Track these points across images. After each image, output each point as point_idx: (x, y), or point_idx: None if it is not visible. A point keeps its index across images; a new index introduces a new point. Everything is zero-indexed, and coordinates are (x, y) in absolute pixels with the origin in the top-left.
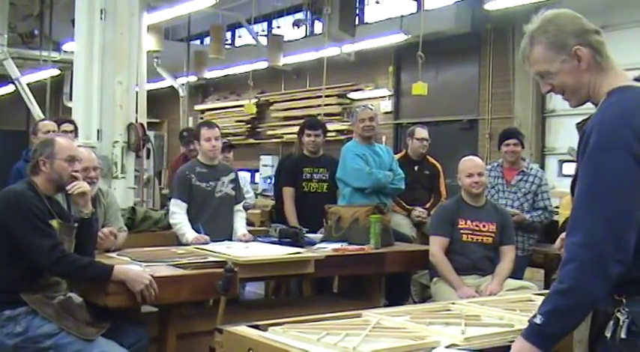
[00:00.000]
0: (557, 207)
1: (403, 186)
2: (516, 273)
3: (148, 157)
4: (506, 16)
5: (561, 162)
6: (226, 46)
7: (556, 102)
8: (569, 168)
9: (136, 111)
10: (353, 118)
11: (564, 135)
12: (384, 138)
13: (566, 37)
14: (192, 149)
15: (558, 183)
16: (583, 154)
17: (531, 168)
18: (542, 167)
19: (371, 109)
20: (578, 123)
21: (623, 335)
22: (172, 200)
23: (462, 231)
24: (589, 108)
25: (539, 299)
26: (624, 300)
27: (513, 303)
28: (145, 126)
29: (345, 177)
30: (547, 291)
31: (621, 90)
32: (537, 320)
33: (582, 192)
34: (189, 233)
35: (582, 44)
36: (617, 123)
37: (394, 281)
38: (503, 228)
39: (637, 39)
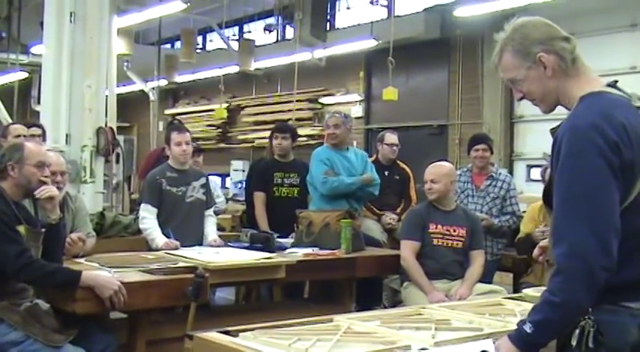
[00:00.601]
0: (524, 212)
1: (377, 193)
2: (486, 277)
3: (117, 162)
4: (475, 23)
5: (529, 167)
6: (197, 51)
7: (524, 107)
8: (538, 174)
9: (106, 115)
10: (324, 125)
11: (532, 140)
12: (354, 143)
13: (530, 44)
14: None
15: (526, 188)
16: (557, 161)
17: (500, 173)
18: (511, 172)
19: (337, 116)
20: (552, 129)
21: (590, 344)
22: (142, 205)
23: (432, 236)
24: (559, 113)
25: (509, 303)
26: (590, 309)
27: (483, 307)
28: (115, 130)
29: (313, 182)
30: (516, 295)
31: (593, 96)
32: (527, 329)
33: (560, 201)
34: (159, 238)
35: (546, 51)
36: (588, 129)
37: (365, 286)
38: (472, 232)
39: (603, 46)
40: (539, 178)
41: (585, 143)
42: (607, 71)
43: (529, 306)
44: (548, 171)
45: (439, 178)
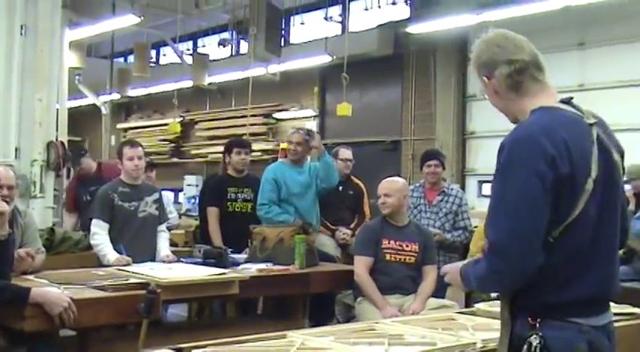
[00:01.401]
0: (475, 227)
1: (336, 178)
2: (438, 292)
3: (68, 177)
4: (428, 40)
5: (481, 182)
6: (151, 65)
7: (476, 124)
8: (489, 189)
9: (57, 129)
10: (287, 139)
11: (484, 156)
12: (309, 158)
13: (478, 66)
14: (82, 168)
15: (478, 204)
16: (496, 169)
17: (452, 189)
18: (463, 187)
19: (301, 133)
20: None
21: None
22: (93, 220)
23: (385, 251)
24: (508, 130)
25: (461, 318)
26: (538, 324)
27: (435, 322)
28: (66, 144)
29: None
30: (468, 310)
31: (541, 110)
32: (473, 283)
33: (490, 207)
34: (110, 254)
35: (488, 76)
36: (526, 141)
37: (318, 302)
38: (425, 247)
39: (552, 64)
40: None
41: (521, 154)
42: (556, 89)
43: (481, 321)
44: None
45: (392, 193)
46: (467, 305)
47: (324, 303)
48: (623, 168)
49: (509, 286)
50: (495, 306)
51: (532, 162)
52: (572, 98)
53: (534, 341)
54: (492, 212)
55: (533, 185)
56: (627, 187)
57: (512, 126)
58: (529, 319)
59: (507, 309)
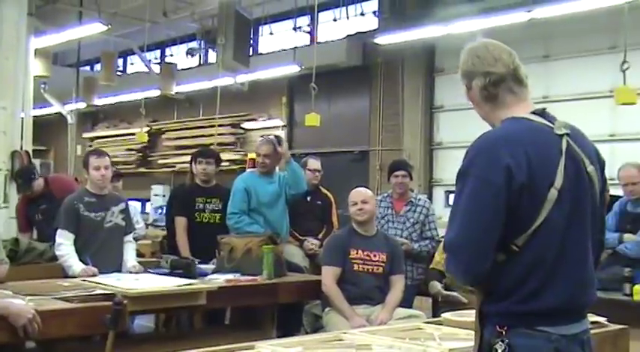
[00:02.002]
0: (442, 237)
1: (304, 186)
2: (405, 302)
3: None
4: (396, 51)
5: (448, 193)
6: (118, 73)
7: (443, 134)
8: None
9: (21, 138)
10: (255, 149)
11: (451, 166)
12: (277, 169)
13: (462, 75)
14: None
15: (445, 214)
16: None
17: (419, 199)
18: (430, 198)
19: (269, 145)
20: None
21: None
22: (58, 230)
23: (353, 261)
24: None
25: (428, 328)
26: (504, 332)
27: (403, 332)
28: (31, 153)
29: None
30: (435, 319)
31: (509, 121)
32: None
33: (452, 208)
34: (76, 265)
35: (467, 85)
36: (482, 151)
37: (286, 312)
38: (393, 257)
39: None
40: None
41: (476, 163)
42: None
43: (448, 330)
44: None
45: (368, 199)
46: (434, 315)
47: (292, 314)
48: (605, 179)
49: (463, 283)
50: (462, 316)
51: (485, 171)
52: (544, 109)
53: (499, 347)
54: (450, 215)
55: (483, 193)
56: None
57: (475, 137)
58: (497, 327)
59: (477, 316)
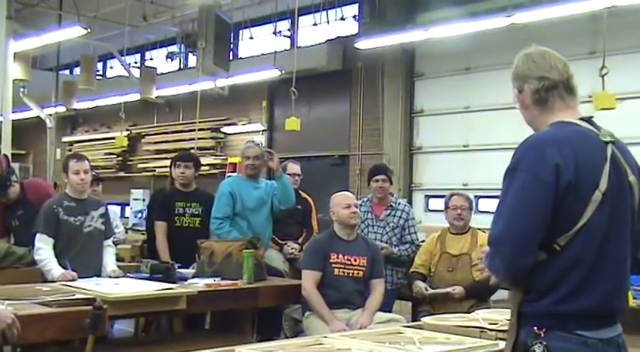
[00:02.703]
0: (422, 241)
1: (293, 200)
2: (385, 306)
3: None
4: (376, 55)
5: (428, 197)
6: (97, 77)
7: (423, 139)
8: (436, 204)
9: (0, 142)
10: (240, 153)
11: (431, 171)
12: (236, 174)
13: (514, 77)
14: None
15: (425, 218)
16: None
17: (399, 203)
18: (410, 202)
19: (257, 147)
20: None
21: None
22: (37, 235)
23: (333, 265)
24: (455, 145)
25: (408, 332)
26: (543, 334)
27: (383, 336)
28: (10, 157)
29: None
30: (415, 323)
31: (558, 124)
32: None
33: (497, 206)
34: (55, 269)
35: (519, 88)
36: (532, 149)
37: (267, 316)
38: (373, 261)
39: (499, 80)
40: (438, 208)
41: (526, 160)
42: (502, 105)
43: (428, 334)
44: None
45: (357, 204)
46: (414, 319)
47: (272, 318)
48: None
49: (503, 279)
50: (442, 320)
51: (535, 167)
52: (592, 117)
53: (537, 349)
54: (496, 210)
55: (531, 189)
56: None
57: (457, 142)
58: (535, 328)
59: (515, 316)
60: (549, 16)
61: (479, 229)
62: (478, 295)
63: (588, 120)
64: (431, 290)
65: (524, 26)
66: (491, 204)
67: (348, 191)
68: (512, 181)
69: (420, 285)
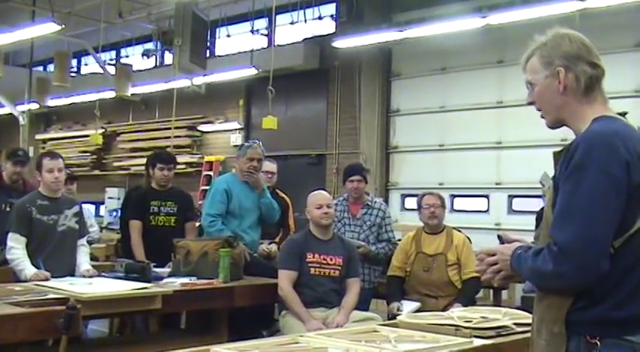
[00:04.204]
0: (399, 240)
1: (277, 217)
2: (362, 305)
3: None
4: (353, 55)
5: (404, 196)
6: (72, 74)
7: (399, 138)
8: (411, 203)
9: None
10: (241, 151)
11: (407, 170)
12: (233, 171)
13: (556, 56)
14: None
15: (401, 217)
16: (565, 169)
17: (375, 202)
18: (386, 201)
19: (262, 149)
20: (556, 152)
21: None
22: (10, 234)
23: (309, 265)
24: (431, 145)
25: (384, 330)
26: (598, 343)
27: (359, 334)
28: None
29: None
30: (391, 322)
31: (607, 118)
32: (525, 273)
33: (560, 207)
34: (28, 269)
35: (566, 68)
36: (601, 143)
37: (246, 315)
38: (349, 260)
39: (473, 81)
40: (414, 207)
41: (597, 156)
42: (476, 105)
43: (404, 332)
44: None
45: (331, 203)
46: (390, 318)
47: (250, 317)
48: None
49: (571, 289)
50: (418, 318)
51: (607, 164)
52: (626, 112)
53: None
54: (563, 212)
55: (607, 188)
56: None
57: (433, 142)
58: (587, 337)
59: (561, 325)
60: (523, 17)
61: (454, 228)
62: (468, 301)
63: (623, 116)
64: (406, 320)
65: (498, 27)
66: (467, 203)
67: (324, 190)
68: (582, 179)
69: (393, 306)
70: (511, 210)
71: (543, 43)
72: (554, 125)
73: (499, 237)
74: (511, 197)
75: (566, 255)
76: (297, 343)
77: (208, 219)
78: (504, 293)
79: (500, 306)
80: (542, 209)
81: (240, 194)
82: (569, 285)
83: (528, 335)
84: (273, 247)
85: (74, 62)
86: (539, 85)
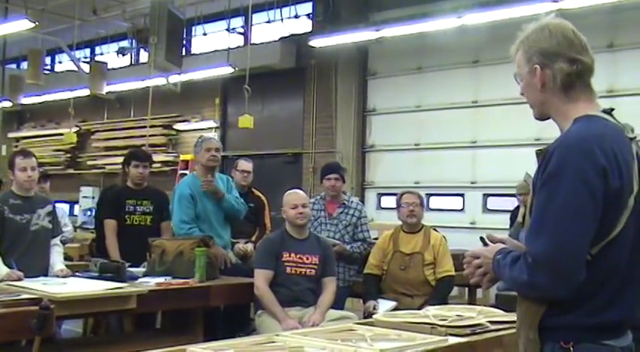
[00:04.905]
0: (375, 239)
1: (242, 214)
2: (337, 304)
3: None
4: (330, 54)
5: (380, 195)
6: (45, 72)
7: (376, 137)
8: (387, 202)
9: None
10: (197, 148)
11: (383, 169)
12: (194, 173)
13: (534, 52)
14: None
15: (377, 216)
16: (542, 175)
17: (352, 202)
18: (362, 200)
19: (217, 141)
20: (538, 150)
21: None
22: None
23: (285, 264)
24: (407, 144)
25: (360, 329)
26: (572, 348)
27: (335, 333)
28: None
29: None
30: (366, 320)
31: (588, 119)
32: (506, 281)
33: (534, 216)
34: (0, 269)
35: (542, 65)
36: (578, 150)
37: (225, 315)
38: (325, 259)
39: (448, 80)
40: (390, 206)
41: (572, 163)
42: (452, 104)
43: (379, 331)
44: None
45: (307, 203)
46: (366, 316)
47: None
48: None
49: (550, 298)
50: (394, 317)
51: (583, 171)
52: (613, 109)
53: None
54: (537, 221)
55: (582, 196)
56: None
57: (409, 141)
58: (562, 343)
59: (534, 331)
60: (499, 17)
61: (432, 227)
62: (440, 301)
63: (610, 113)
64: (383, 319)
65: (474, 27)
66: (443, 202)
67: (300, 189)
68: (557, 188)
69: (369, 305)
70: (486, 209)
71: (527, 36)
72: (540, 118)
73: (482, 239)
74: (486, 196)
75: (540, 267)
76: (273, 342)
77: (185, 227)
78: (479, 292)
79: (475, 304)
80: (517, 208)
81: (204, 196)
82: (546, 295)
83: (503, 333)
84: (249, 246)
85: (48, 60)
86: (524, 80)
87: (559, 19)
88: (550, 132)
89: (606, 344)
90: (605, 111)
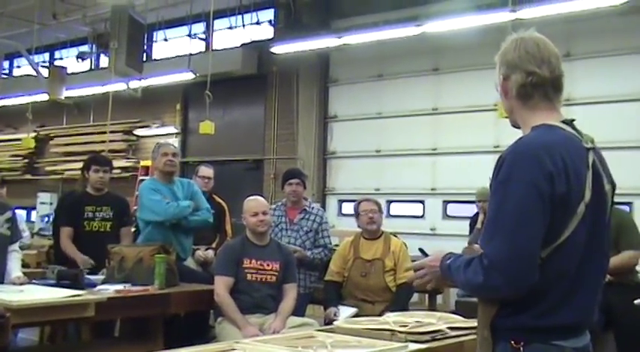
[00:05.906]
0: (336, 245)
1: (211, 219)
2: (298, 311)
3: None
4: (291, 60)
5: (341, 201)
6: (3, 76)
7: (337, 144)
8: (348, 208)
9: None
10: (154, 153)
11: (344, 176)
12: (154, 177)
13: (501, 63)
14: None
15: (338, 222)
16: (494, 181)
17: (313, 208)
18: (324, 206)
19: (174, 146)
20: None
21: None
22: None
23: (246, 271)
24: (368, 150)
25: (320, 335)
26: (522, 348)
27: (296, 340)
28: None
29: (143, 214)
30: (327, 327)
31: (544, 128)
32: (458, 283)
33: (487, 220)
34: None
35: (505, 76)
36: (526, 157)
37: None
38: (286, 266)
39: (408, 87)
40: (351, 213)
41: (522, 169)
42: (412, 111)
43: (340, 338)
44: None
45: (267, 210)
46: (327, 323)
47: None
48: (613, 201)
49: (504, 299)
50: (354, 323)
51: (532, 177)
52: (574, 120)
53: None
54: (490, 225)
55: (532, 200)
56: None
57: (369, 147)
58: (512, 342)
59: (488, 330)
60: (458, 26)
61: (392, 234)
62: (400, 308)
63: (570, 123)
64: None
65: (434, 35)
66: (403, 209)
67: (261, 195)
68: (508, 193)
69: (330, 312)
70: (446, 216)
71: (503, 48)
72: (514, 126)
73: (420, 249)
74: (446, 202)
75: (495, 269)
76: (233, 349)
77: (172, 206)
78: (439, 298)
79: (435, 310)
80: (477, 214)
81: (166, 195)
82: (500, 296)
83: (462, 339)
84: (210, 253)
85: (6, 64)
86: (498, 87)
87: (531, 34)
88: (508, 139)
89: (556, 344)
90: (565, 121)
